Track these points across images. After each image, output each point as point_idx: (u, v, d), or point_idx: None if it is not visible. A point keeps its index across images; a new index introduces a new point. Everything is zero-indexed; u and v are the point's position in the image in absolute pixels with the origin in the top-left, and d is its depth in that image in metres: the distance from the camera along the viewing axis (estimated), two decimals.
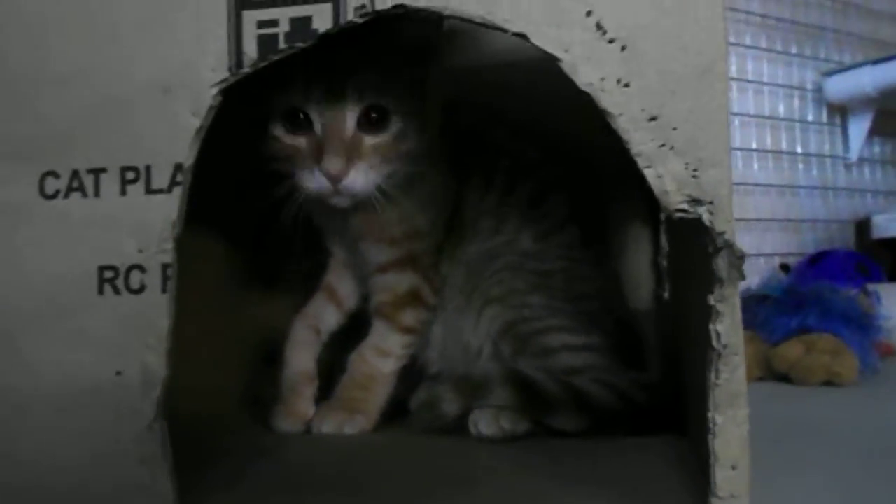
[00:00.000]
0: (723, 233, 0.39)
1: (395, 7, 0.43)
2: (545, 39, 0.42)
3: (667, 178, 0.40)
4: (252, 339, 0.88)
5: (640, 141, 0.41)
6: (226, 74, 0.46)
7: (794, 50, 1.86)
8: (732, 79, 1.75)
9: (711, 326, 0.39)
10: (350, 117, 0.60)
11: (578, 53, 0.42)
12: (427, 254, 0.71)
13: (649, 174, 0.41)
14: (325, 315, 0.76)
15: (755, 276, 1.66)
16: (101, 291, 0.47)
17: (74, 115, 0.48)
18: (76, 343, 0.48)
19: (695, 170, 0.40)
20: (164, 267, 0.46)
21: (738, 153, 1.77)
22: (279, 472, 0.58)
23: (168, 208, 0.46)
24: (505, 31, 0.42)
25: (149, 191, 0.47)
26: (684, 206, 0.40)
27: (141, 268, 0.47)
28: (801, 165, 1.87)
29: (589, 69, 0.42)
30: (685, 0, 0.41)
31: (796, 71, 1.87)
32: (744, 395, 0.39)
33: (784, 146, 1.85)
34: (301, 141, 0.62)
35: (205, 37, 0.46)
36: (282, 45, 0.46)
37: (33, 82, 0.48)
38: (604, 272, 0.80)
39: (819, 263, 1.66)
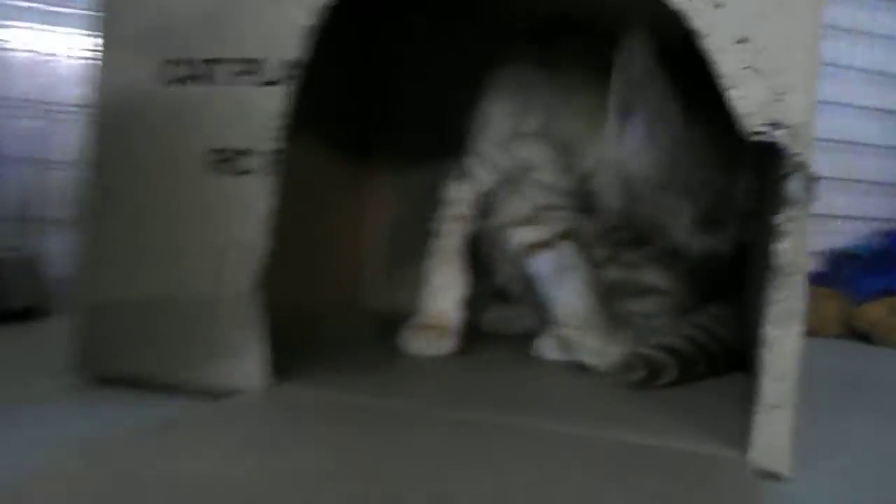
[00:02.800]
0: (797, 154, 0.40)
1: None
2: None
3: (749, 100, 0.41)
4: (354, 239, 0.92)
5: (726, 62, 0.42)
6: None
7: None
8: (844, 29, 1.66)
9: (777, 245, 0.40)
10: None
11: None
12: None
13: (732, 95, 0.42)
14: (464, 251, 0.73)
15: (851, 238, 1.61)
16: (210, 172, 0.52)
17: (194, 8, 0.52)
18: (185, 217, 0.53)
19: (778, 93, 0.41)
20: (270, 153, 0.51)
21: (849, 109, 1.68)
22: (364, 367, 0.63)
23: (278, 100, 0.51)
24: None
25: (261, 83, 0.51)
26: (763, 129, 0.41)
27: (249, 152, 0.51)
28: None
29: None
30: None
31: None
32: (801, 312, 0.41)
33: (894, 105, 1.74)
34: None
35: None
36: None
37: None
38: None
39: None
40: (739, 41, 0.42)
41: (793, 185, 0.40)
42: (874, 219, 1.76)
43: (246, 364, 0.51)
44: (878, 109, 1.73)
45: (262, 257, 0.51)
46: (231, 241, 0.51)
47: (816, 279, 1.24)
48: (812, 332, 1.10)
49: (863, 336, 1.06)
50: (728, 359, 0.64)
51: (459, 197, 0.73)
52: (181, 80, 0.53)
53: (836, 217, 1.77)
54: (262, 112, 0.51)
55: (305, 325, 0.77)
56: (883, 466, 0.45)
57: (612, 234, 0.72)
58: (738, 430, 0.44)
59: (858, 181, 1.75)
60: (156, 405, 0.49)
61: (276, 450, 0.40)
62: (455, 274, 0.72)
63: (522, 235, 0.70)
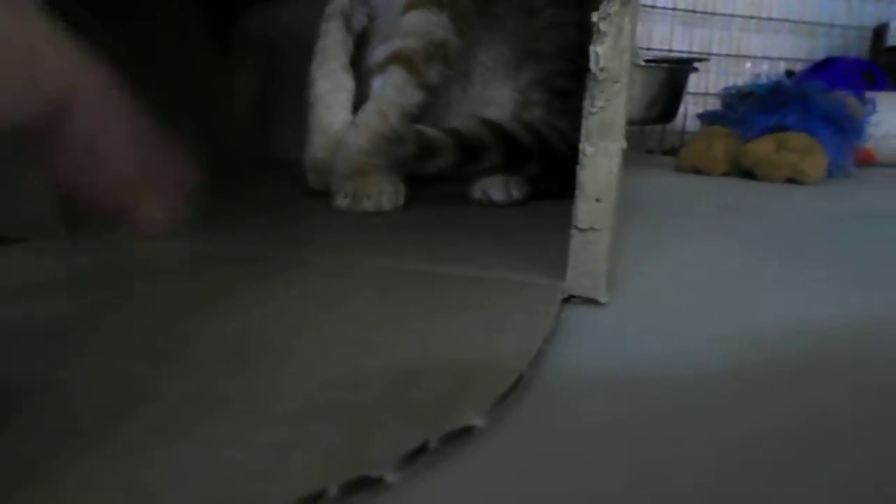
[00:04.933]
0: None
1: None
2: None
3: None
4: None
5: None
6: None
7: None
8: None
9: (591, 48, 0.36)
10: None
11: None
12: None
13: None
14: (348, 47, 0.67)
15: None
16: None
17: None
18: None
19: None
20: None
21: None
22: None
23: None
24: None
25: None
26: None
27: None
28: None
29: None
30: None
31: None
32: (620, 126, 0.37)
33: None
34: None
35: None
36: None
37: None
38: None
39: (824, 69, 1.57)
40: None
41: None
42: (780, 58, 1.74)
43: (32, 208, 0.45)
44: None
45: None
46: None
47: (711, 118, 1.22)
48: (701, 170, 1.09)
49: (749, 173, 1.05)
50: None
51: None
52: None
53: (744, 57, 1.75)
54: None
55: None
56: (707, 296, 0.44)
57: (549, 81, 0.69)
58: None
59: (769, 19, 1.72)
60: None
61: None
62: (340, 73, 0.66)
63: (375, 54, 0.64)
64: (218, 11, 0.89)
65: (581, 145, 0.37)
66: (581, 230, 0.38)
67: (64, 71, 0.21)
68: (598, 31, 0.35)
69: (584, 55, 0.37)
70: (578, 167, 0.38)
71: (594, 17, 0.36)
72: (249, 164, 0.88)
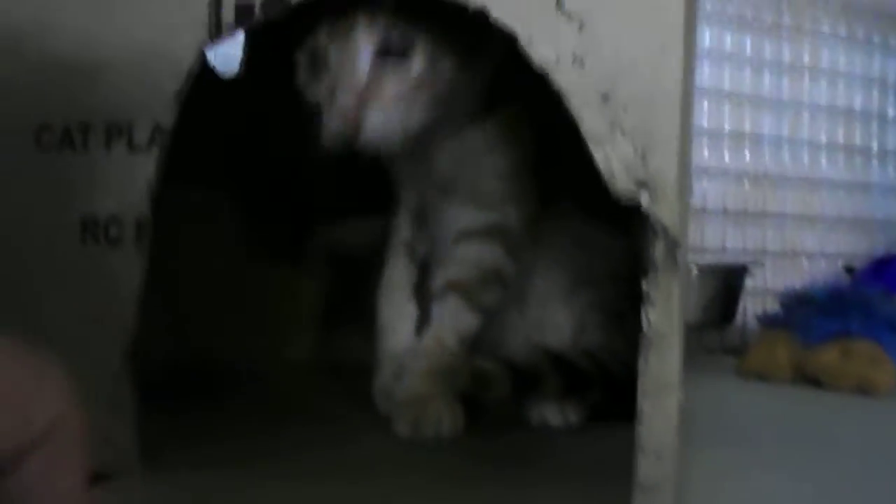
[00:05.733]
0: (660, 217, 0.38)
1: None
2: (503, 14, 0.42)
3: (614, 160, 0.40)
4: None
5: (590, 120, 0.40)
6: (206, 39, 0.48)
7: (876, 38, 1.75)
8: (805, 67, 1.67)
9: (643, 312, 0.38)
10: (363, 50, 0.55)
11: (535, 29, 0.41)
12: (518, 226, 0.67)
13: (597, 156, 0.40)
14: (411, 277, 0.70)
15: (817, 277, 1.61)
16: (83, 241, 0.50)
17: (65, 71, 0.51)
18: (62, 291, 0.51)
19: (644, 152, 0.39)
20: (139, 222, 0.49)
21: (806, 147, 1.69)
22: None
23: (147, 166, 0.49)
24: (465, 6, 0.42)
25: (131, 148, 0.49)
26: (632, 189, 0.39)
27: (119, 222, 0.49)
28: (875, 162, 1.77)
29: (545, 46, 0.41)
30: None
31: (878, 61, 1.76)
32: (675, 384, 0.38)
33: (858, 141, 1.75)
34: (321, 83, 0.57)
35: (188, 3, 0.48)
36: (257, 14, 0.47)
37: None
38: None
39: (886, 267, 1.57)
40: (603, 99, 0.40)
41: (658, 250, 0.38)
42: (838, 255, 1.75)
43: (115, 451, 0.48)
44: (843, 146, 1.73)
45: (131, 334, 0.48)
46: (100, 317, 0.49)
47: (771, 322, 1.21)
48: (764, 376, 1.08)
49: (814, 381, 1.03)
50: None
51: (398, 224, 0.71)
52: (55, 146, 0.51)
53: (800, 254, 1.76)
54: (131, 178, 0.49)
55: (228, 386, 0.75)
56: None
57: (604, 304, 0.71)
58: None
59: (823, 218, 1.75)
60: None
61: None
62: (404, 303, 0.69)
63: (433, 280, 0.68)
64: (292, 226, 0.96)
65: (638, 401, 0.39)
66: (644, 488, 0.38)
67: (52, 405, 0.22)
68: (649, 298, 0.38)
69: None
70: (637, 422, 0.39)
71: (644, 284, 0.38)
72: (313, 373, 0.91)
